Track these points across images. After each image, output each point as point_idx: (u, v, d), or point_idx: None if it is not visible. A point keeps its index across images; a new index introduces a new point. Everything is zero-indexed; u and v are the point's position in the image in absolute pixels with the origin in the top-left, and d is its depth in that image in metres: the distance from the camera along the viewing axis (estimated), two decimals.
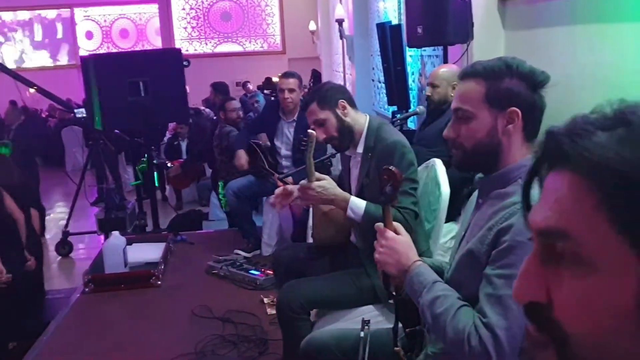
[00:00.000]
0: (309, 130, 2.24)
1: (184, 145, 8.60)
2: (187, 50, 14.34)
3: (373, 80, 8.11)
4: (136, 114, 4.70)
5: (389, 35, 5.82)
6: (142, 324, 3.48)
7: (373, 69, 7.95)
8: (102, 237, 5.93)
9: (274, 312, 3.09)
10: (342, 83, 10.43)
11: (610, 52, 2.88)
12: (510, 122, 1.42)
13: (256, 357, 2.97)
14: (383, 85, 6.72)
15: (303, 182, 2.33)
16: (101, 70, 4.78)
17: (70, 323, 3.56)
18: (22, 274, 3.62)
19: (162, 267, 4.10)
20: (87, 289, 3.86)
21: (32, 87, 6.40)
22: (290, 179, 4.09)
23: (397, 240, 1.52)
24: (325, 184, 2.31)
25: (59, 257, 6.62)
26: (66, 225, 6.79)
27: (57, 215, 8.52)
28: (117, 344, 3.24)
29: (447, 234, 3.04)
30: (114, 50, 15.25)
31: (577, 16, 3.17)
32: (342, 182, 2.64)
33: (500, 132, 1.43)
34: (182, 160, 7.93)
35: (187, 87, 12.43)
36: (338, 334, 1.96)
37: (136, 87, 4.72)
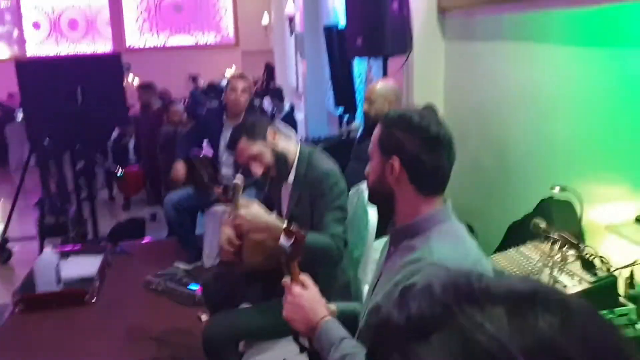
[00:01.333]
0: (235, 181, 2.17)
1: (131, 144, 8.42)
2: (138, 44, 14.05)
3: (324, 78, 8.05)
4: (73, 121, 4.55)
5: (335, 38, 5.79)
6: (75, 346, 3.36)
7: (323, 66, 7.89)
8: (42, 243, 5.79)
9: None
10: (294, 77, 10.34)
11: (543, 74, 2.90)
12: (391, 170, 1.45)
13: None
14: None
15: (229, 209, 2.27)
16: (37, 76, 4.60)
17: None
18: None
19: (97, 283, 3.98)
20: (17, 310, 3.72)
21: None
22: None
23: (304, 297, 1.49)
24: (253, 209, 2.24)
25: None
26: (4, 232, 6.56)
27: None
28: None
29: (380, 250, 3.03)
30: (63, 41, 14.85)
31: (514, 33, 3.18)
32: (272, 208, 2.60)
33: (387, 177, 1.47)
34: (132, 165, 7.76)
35: (138, 80, 12.18)
36: None
37: (73, 94, 4.57)
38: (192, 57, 13.72)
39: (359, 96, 6.11)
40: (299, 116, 9.10)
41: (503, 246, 2.88)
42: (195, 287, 3.83)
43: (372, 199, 1.62)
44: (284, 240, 1.51)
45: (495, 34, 3.39)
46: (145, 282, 4.05)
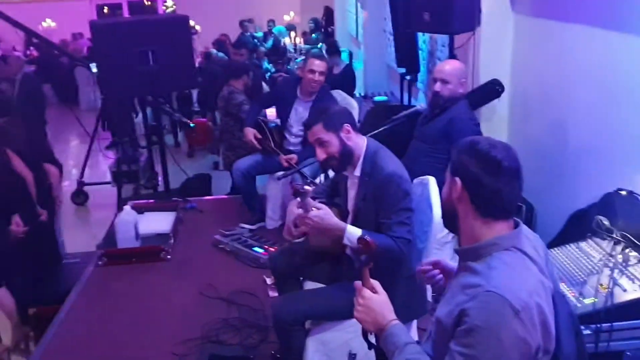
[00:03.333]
0: (305, 187, 2.32)
1: (195, 93, 8.63)
2: None
3: (385, 31, 7.96)
4: (144, 82, 4.76)
5: None
6: (152, 302, 3.66)
7: (385, 18, 7.77)
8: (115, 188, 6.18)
9: (275, 294, 3.27)
10: (354, 26, 10.21)
11: (613, 62, 2.88)
12: (454, 189, 1.57)
13: (256, 346, 3.14)
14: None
15: (299, 211, 2.43)
16: (110, 38, 4.78)
17: (85, 297, 3.75)
18: (35, 228, 3.87)
19: (172, 241, 4.27)
20: (100, 262, 4.06)
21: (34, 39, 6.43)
22: (294, 157, 4.19)
23: (374, 300, 1.66)
24: (322, 214, 2.41)
25: (75, 206, 6.88)
26: (81, 175, 7.00)
27: (71, 160, 8.70)
28: (130, 321, 3.45)
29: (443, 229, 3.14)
30: None
31: (583, 16, 3.13)
32: (337, 192, 2.75)
33: (452, 196, 1.59)
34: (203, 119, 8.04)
35: (198, 27, 12.22)
36: None
37: (145, 56, 4.75)
38: (248, 1, 13.66)
39: (423, 55, 6.08)
40: (358, 65, 9.07)
41: (563, 235, 2.95)
42: (259, 250, 4.08)
43: (443, 217, 1.73)
44: (357, 249, 1.67)
45: (564, 14, 3.34)
46: (214, 241, 4.32)
